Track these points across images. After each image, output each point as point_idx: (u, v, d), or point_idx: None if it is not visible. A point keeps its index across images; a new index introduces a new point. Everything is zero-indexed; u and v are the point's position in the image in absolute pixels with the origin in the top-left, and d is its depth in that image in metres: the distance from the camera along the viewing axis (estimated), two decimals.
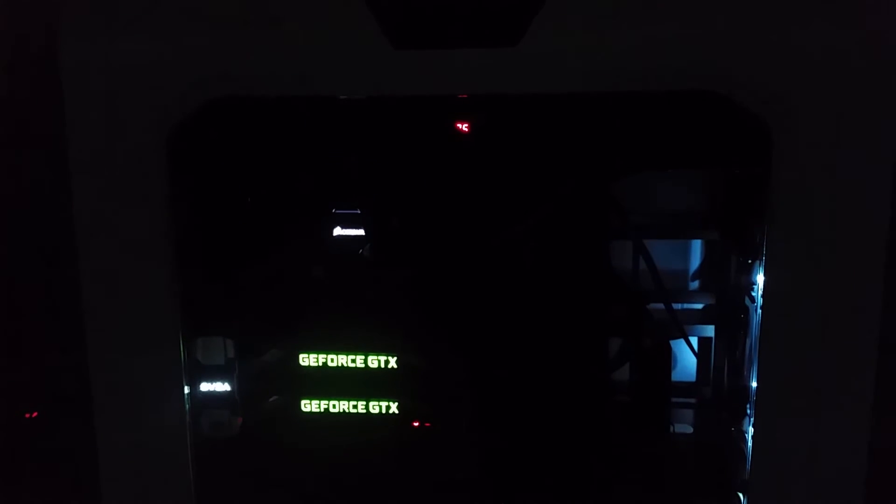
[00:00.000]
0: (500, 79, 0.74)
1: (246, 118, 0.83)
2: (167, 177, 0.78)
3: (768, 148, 0.72)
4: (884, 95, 0.71)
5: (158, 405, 0.83)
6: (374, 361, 0.88)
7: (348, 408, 0.89)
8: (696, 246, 0.96)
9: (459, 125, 0.83)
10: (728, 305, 0.90)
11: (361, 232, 0.90)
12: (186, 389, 0.83)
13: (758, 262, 0.81)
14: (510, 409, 0.88)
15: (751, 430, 0.82)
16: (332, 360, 0.88)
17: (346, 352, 0.88)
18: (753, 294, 0.84)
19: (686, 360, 0.96)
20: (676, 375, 0.94)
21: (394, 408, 0.88)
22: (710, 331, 0.94)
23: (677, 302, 0.93)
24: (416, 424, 0.89)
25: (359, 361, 0.88)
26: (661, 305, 0.90)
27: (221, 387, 0.88)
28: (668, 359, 0.89)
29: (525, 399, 0.88)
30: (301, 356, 0.88)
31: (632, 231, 0.89)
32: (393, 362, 0.88)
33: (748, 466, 0.82)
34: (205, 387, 0.88)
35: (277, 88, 0.76)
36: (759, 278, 0.79)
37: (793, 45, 0.71)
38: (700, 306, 0.95)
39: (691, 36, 0.72)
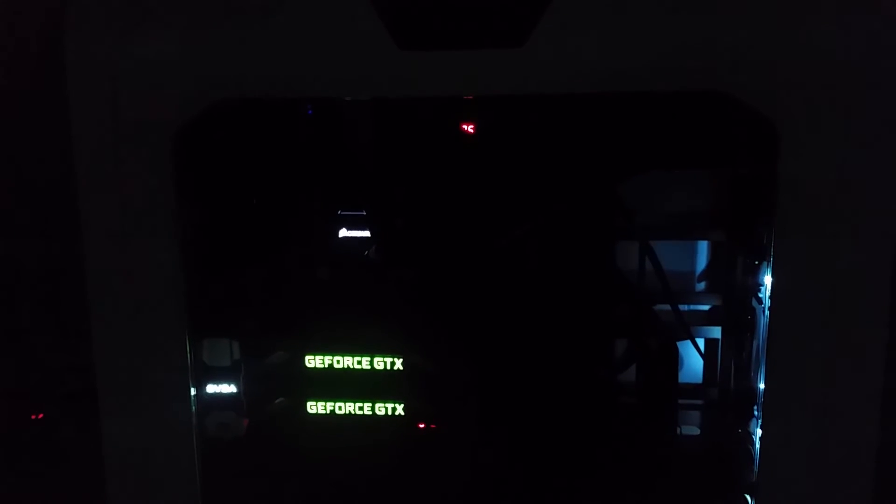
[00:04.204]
0: (505, 80, 0.74)
1: (251, 120, 0.83)
2: (173, 178, 0.78)
3: (775, 148, 0.72)
4: (890, 95, 0.70)
5: (164, 406, 0.83)
6: (379, 363, 0.88)
7: (354, 409, 0.89)
8: (703, 247, 0.96)
9: (465, 126, 0.83)
10: (735, 307, 0.90)
11: (367, 233, 0.90)
12: (192, 391, 0.83)
13: (765, 263, 0.80)
14: (516, 410, 0.88)
15: (758, 431, 0.81)
16: (337, 362, 0.88)
17: (352, 353, 0.88)
18: (760, 295, 0.83)
19: (693, 361, 0.96)
20: (683, 377, 0.94)
21: (399, 409, 0.88)
22: (716, 332, 0.94)
23: (684, 303, 0.92)
24: (421, 426, 0.89)
25: (364, 363, 0.88)
26: (667, 307, 0.89)
27: (227, 388, 0.88)
28: (674, 360, 0.89)
29: (531, 400, 0.88)
30: (307, 358, 0.88)
31: (638, 232, 0.88)
32: (399, 364, 0.87)
33: (755, 468, 0.82)
34: (211, 388, 0.88)
35: (282, 90, 0.76)
36: (766, 279, 0.79)
37: (799, 45, 0.70)
38: (707, 308, 0.95)
39: (698, 36, 0.71)
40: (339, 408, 0.89)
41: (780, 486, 0.79)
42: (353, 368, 0.88)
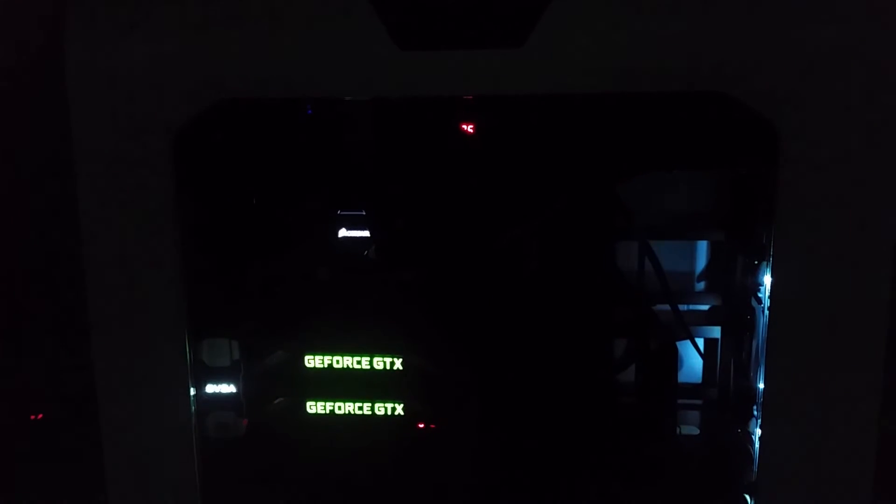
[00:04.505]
0: (505, 80, 0.74)
1: (251, 120, 0.83)
2: (172, 179, 0.78)
3: (775, 148, 0.72)
4: (890, 94, 0.70)
5: (164, 407, 0.83)
6: (379, 363, 0.88)
7: (353, 409, 0.89)
8: (703, 247, 0.96)
9: (465, 126, 0.83)
10: (734, 307, 0.90)
11: (366, 233, 0.90)
12: (192, 391, 0.83)
13: (764, 262, 0.80)
14: (516, 410, 0.88)
15: (757, 431, 0.81)
16: (337, 362, 0.88)
17: (352, 353, 0.88)
18: (760, 295, 0.84)
19: (692, 361, 0.96)
20: (683, 377, 0.94)
21: (399, 409, 0.88)
22: (716, 332, 0.94)
23: (683, 303, 0.93)
24: (421, 426, 0.89)
25: (364, 363, 0.88)
26: (667, 307, 0.89)
27: (227, 388, 0.88)
28: (674, 360, 0.89)
29: (531, 400, 0.88)
30: (306, 358, 0.88)
31: (638, 232, 0.88)
32: (398, 364, 0.87)
33: (755, 468, 0.82)
34: (210, 388, 0.88)
35: (283, 90, 0.76)
36: (766, 279, 0.79)
37: (799, 45, 0.70)
38: (706, 307, 0.95)
39: (698, 36, 0.71)
40: (339, 408, 0.89)
41: (779, 485, 0.79)
42: (353, 368, 0.88)
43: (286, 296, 0.89)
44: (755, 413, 0.85)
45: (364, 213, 0.90)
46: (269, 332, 0.89)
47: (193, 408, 0.84)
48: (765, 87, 0.71)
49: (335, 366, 0.88)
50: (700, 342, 0.94)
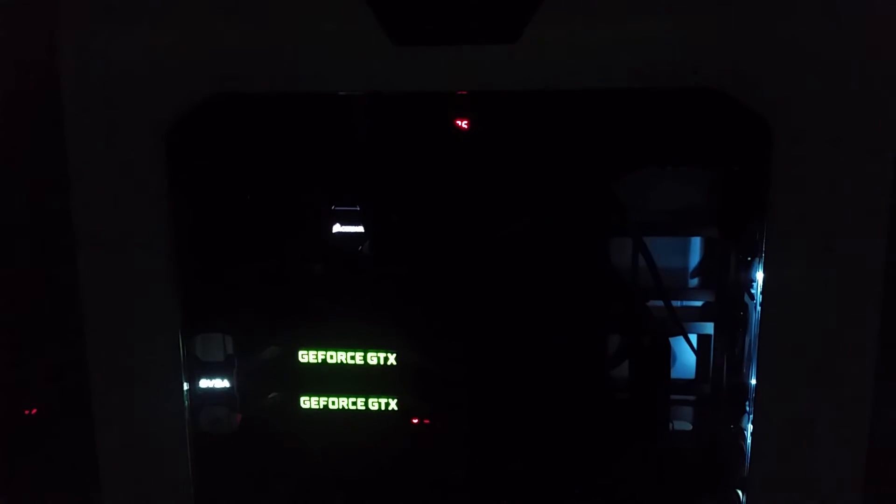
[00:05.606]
0: (499, 75, 0.74)
1: (245, 115, 0.83)
2: (166, 174, 0.78)
3: (768, 145, 0.72)
4: (884, 93, 0.71)
5: (157, 401, 0.83)
6: (373, 358, 0.88)
7: (347, 404, 0.89)
8: (696, 243, 0.96)
9: (459, 122, 0.83)
10: (727, 303, 0.90)
11: (361, 229, 0.90)
12: (185, 386, 0.83)
13: (757, 259, 0.81)
14: (509, 406, 0.88)
15: (750, 427, 0.82)
16: (331, 357, 0.88)
17: (346, 348, 0.88)
18: (753, 291, 0.84)
19: (685, 357, 0.96)
20: (676, 372, 0.95)
21: (393, 404, 0.88)
22: (709, 328, 0.94)
23: (676, 299, 0.93)
24: (415, 421, 0.89)
25: (358, 358, 0.88)
26: (660, 303, 0.90)
27: (221, 383, 0.88)
28: (667, 356, 0.89)
29: (524, 396, 0.88)
30: (300, 353, 0.88)
31: (631, 228, 0.89)
32: (392, 359, 0.87)
33: (747, 463, 0.82)
34: (204, 383, 0.88)
35: (276, 85, 0.76)
36: (759, 276, 0.79)
37: (794, 43, 0.71)
38: (699, 304, 0.95)
39: (692, 33, 0.71)
40: (333, 403, 0.89)
41: (770, 481, 0.79)
42: (347, 363, 0.88)
43: (280, 291, 0.89)
44: (747, 409, 0.85)
45: (358, 208, 0.90)
46: (263, 326, 0.89)
47: (187, 402, 0.84)
48: (759, 84, 0.71)
49: (329, 361, 0.88)
50: (693, 338, 0.95)
